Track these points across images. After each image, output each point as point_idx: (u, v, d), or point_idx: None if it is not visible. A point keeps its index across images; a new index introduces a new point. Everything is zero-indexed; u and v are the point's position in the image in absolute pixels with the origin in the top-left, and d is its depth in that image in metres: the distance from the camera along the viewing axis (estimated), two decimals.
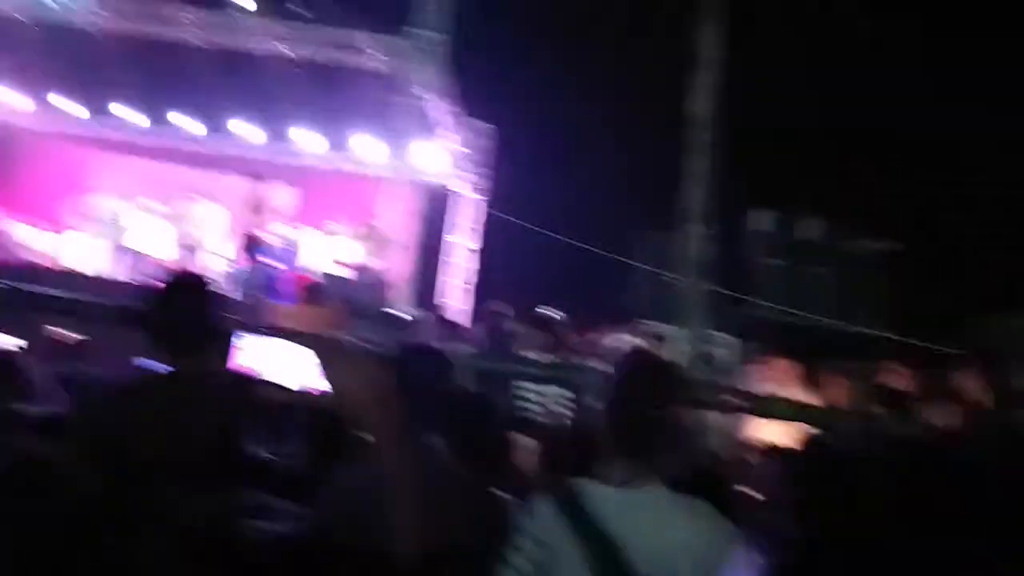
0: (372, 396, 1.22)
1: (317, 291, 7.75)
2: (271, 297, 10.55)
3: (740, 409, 4.58)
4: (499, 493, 2.46)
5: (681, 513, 1.84)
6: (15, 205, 13.90)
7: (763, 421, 5.30)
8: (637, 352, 2.46)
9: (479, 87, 12.74)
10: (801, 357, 6.10)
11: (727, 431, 5.78)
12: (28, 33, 11.34)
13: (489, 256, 14.25)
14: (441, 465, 2.15)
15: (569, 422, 4.62)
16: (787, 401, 5.07)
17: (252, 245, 11.20)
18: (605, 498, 1.81)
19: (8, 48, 12.85)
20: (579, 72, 14.26)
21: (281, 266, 11.56)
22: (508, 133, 14.47)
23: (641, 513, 1.80)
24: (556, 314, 8.36)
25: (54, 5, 10.56)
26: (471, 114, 12.92)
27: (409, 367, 2.26)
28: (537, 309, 7.63)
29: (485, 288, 13.82)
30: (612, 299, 13.04)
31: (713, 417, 5.66)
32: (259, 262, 11.26)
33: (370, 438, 1.26)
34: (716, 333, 9.28)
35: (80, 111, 14.53)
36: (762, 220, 13.40)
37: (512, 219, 12.90)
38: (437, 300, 12.32)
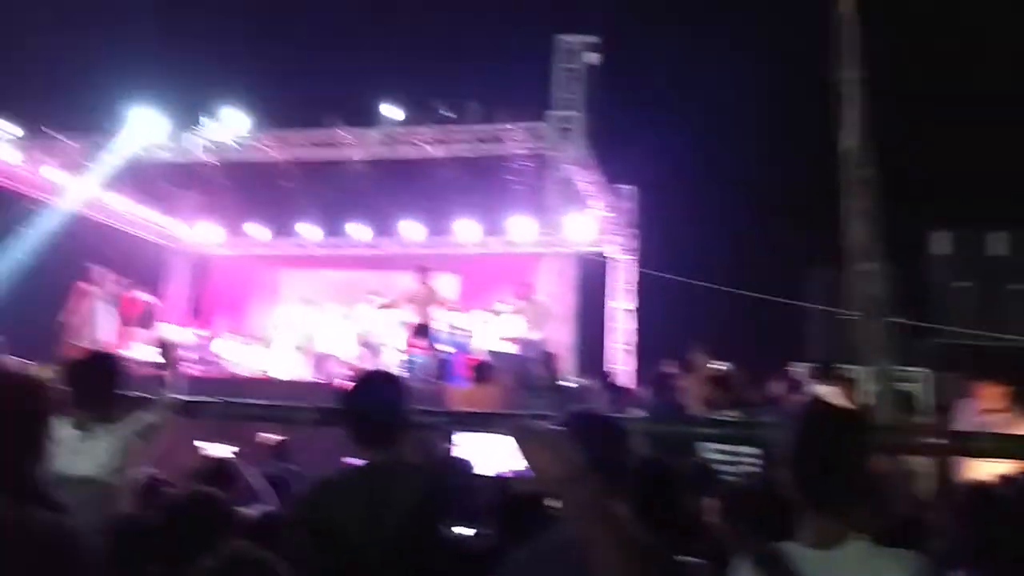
0: (568, 471, 1.24)
1: (487, 370, 7.98)
2: (447, 381, 10.96)
3: (944, 449, 4.17)
4: (689, 560, 2.39)
5: (887, 569, 1.72)
6: (215, 324, 15.51)
7: (975, 460, 4.78)
8: (818, 402, 2.33)
9: (618, 153, 12.94)
10: (1004, 382, 5.47)
11: (934, 473, 5.26)
12: (214, 172, 12.82)
13: (649, 315, 14.12)
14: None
15: (756, 480, 4.37)
16: (998, 436, 4.55)
17: (425, 334, 11.76)
18: (806, 559, 1.72)
19: (199, 187, 14.64)
20: (720, 120, 14.16)
21: (451, 350, 12.02)
22: (652, 192, 14.52)
23: (845, 573, 1.70)
24: (728, 367, 8.08)
25: (234, 144, 11.91)
26: (613, 180, 13.09)
27: (582, 437, 2.26)
28: (709, 364, 7.44)
29: (649, 348, 13.67)
30: (785, 344, 12.44)
31: (916, 460, 5.17)
32: (432, 349, 11.78)
33: (566, 512, 1.26)
34: (907, 368, 8.56)
35: (264, 233, 16.18)
36: (943, 243, 12.38)
37: (670, 276, 12.73)
38: (604, 366, 12.28)
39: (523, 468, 1.27)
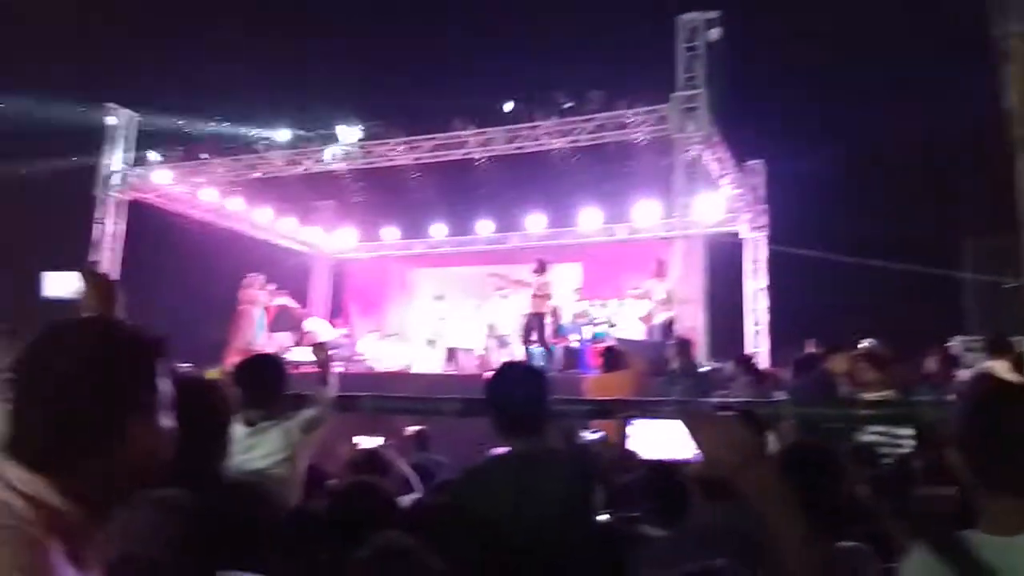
0: (744, 454, 1.21)
1: (617, 356, 7.89)
2: (577, 369, 10.97)
3: None
4: (850, 545, 2.27)
5: None
6: (356, 323, 16.25)
7: None
8: (989, 377, 2.13)
9: (745, 127, 12.48)
10: None
11: None
12: (347, 180, 13.40)
13: (783, 294, 13.56)
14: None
15: (920, 464, 4.07)
16: None
17: (554, 324, 11.84)
18: (986, 546, 1.59)
19: (335, 195, 15.36)
20: (854, 82, 13.35)
21: (579, 339, 12.03)
22: (782, 164, 13.91)
23: None
24: (876, 344, 7.61)
25: (362, 152, 12.40)
26: (741, 155, 12.66)
27: (796, 471, 2.17)
28: (860, 342, 7.03)
29: (783, 328, 13.13)
30: (936, 319, 11.57)
31: None
32: (560, 339, 11.85)
33: (742, 496, 1.21)
34: None
35: (397, 234, 16.81)
36: None
37: (807, 252, 12.14)
38: (740, 349, 11.90)
39: (692, 453, 1.24)
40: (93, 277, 1.96)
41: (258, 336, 11.95)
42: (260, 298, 12.11)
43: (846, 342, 6.78)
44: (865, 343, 7.37)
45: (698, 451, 1.21)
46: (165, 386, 1.12)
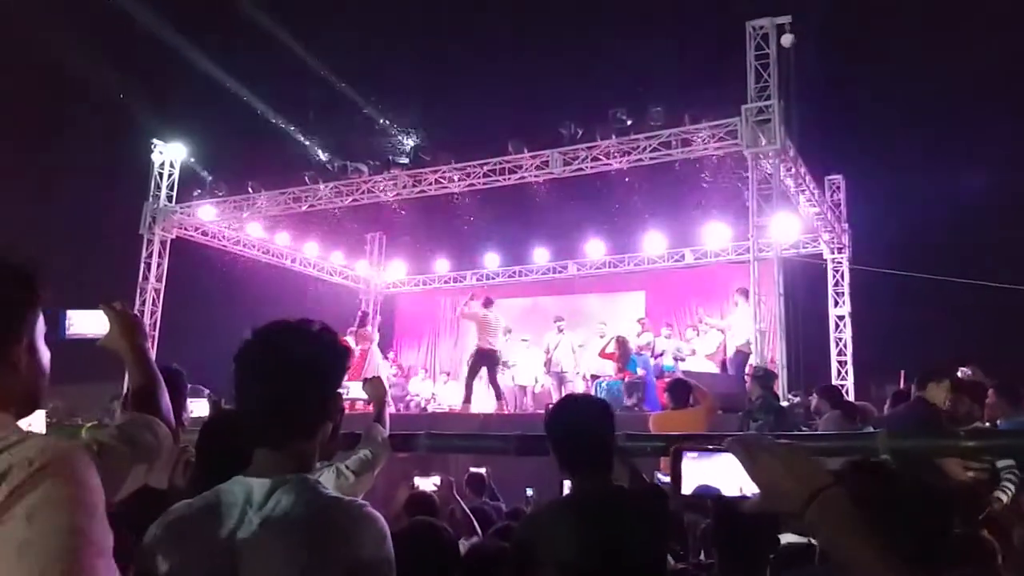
0: (809, 485, 1.15)
1: (684, 391, 7.73)
2: (647, 406, 10.81)
3: None
4: None
5: None
6: (406, 359, 16.39)
7: None
8: None
9: (822, 140, 12.29)
10: None
11: None
12: (397, 210, 13.62)
13: (866, 319, 13.19)
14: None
15: None
16: None
17: (620, 357, 11.72)
18: None
19: (384, 226, 15.65)
20: (941, 85, 13.01)
21: (640, 372, 11.86)
22: (863, 179, 13.63)
23: None
24: (974, 371, 7.30)
25: (411, 181, 12.60)
26: (818, 170, 12.47)
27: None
28: (957, 370, 6.74)
29: (869, 357, 12.74)
30: None
31: None
32: (627, 373, 11.69)
33: (812, 531, 1.15)
34: None
35: (448, 266, 17.01)
36: None
37: (893, 272, 11.78)
38: (823, 380, 11.56)
39: (746, 488, 1.18)
40: (115, 312, 1.98)
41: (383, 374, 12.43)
42: (375, 337, 12.77)
43: (939, 370, 6.52)
44: (962, 371, 7.08)
45: (756, 485, 1.15)
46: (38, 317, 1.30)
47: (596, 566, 2.32)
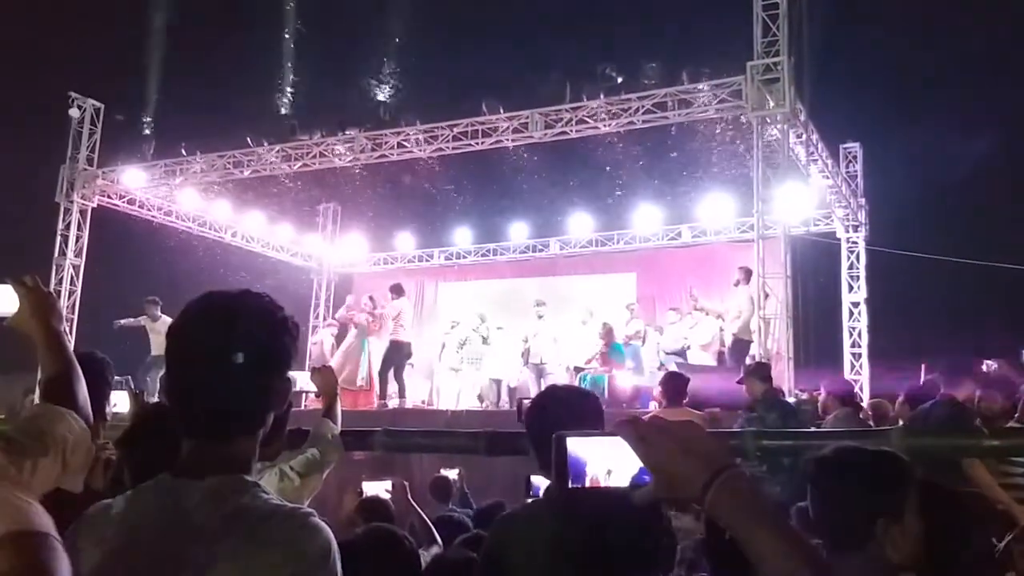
0: (707, 467, 1.15)
1: (678, 386, 7.74)
2: (640, 403, 10.86)
3: None
4: None
5: None
6: None
7: None
8: None
9: (839, 103, 12.36)
10: None
11: None
12: (353, 178, 13.53)
13: (884, 304, 13.34)
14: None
15: None
16: None
17: (604, 347, 11.76)
18: None
19: (340, 196, 15.55)
20: (980, 46, 13.12)
21: (629, 364, 11.92)
22: (882, 148, 13.72)
23: None
24: (1005, 365, 7.43)
25: (370, 144, 12.49)
26: (833, 137, 12.53)
27: (842, 469, 2.13)
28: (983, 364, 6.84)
29: (886, 345, 12.89)
30: None
31: None
32: (616, 365, 11.74)
33: (715, 518, 1.15)
34: None
35: (413, 243, 16.95)
36: None
37: (915, 254, 11.90)
38: (836, 373, 11.70)
39: (636, 473, 1.17)
40: (26, 289, 1.96)
41: (363, 371, 12.66)
42: (367, 324, 12.88)
43: (965, 363, 6.61)
44: (986, 364, 7.20)
45: (649, 470, 1.14)
46: None
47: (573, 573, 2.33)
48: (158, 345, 11.22)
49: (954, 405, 5.31)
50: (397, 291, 12.53)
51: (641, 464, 1.16)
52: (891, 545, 2.03)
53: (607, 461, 1.22)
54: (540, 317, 12.51)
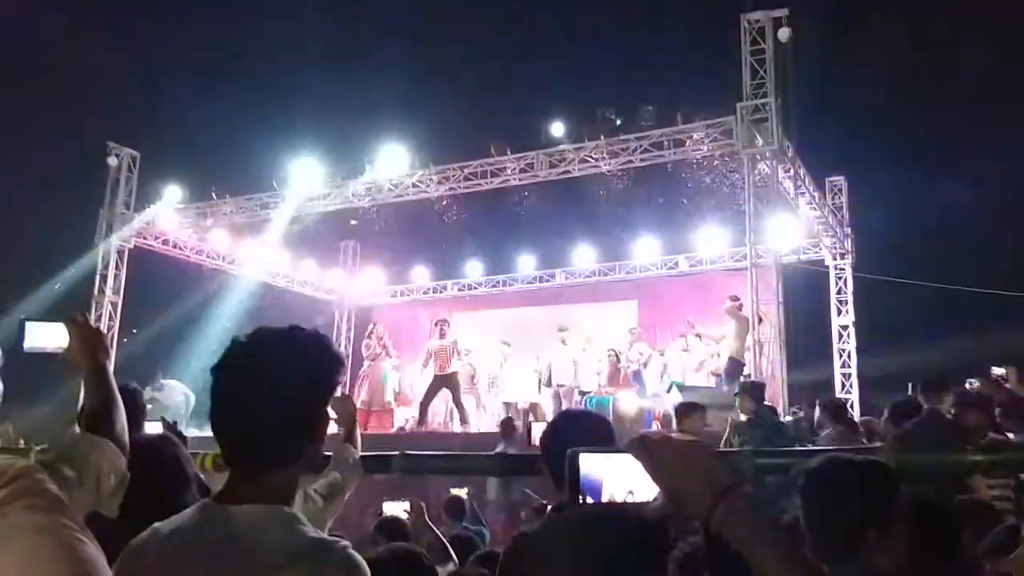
0: (715, 484, 1.12)
1: (678, 408, 7.70)
2: (644, 425, 10.79)
3: None
4: None
5: None
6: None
7: None
8: None
9: (824, 140, 12.39)
10: None
11: None
12: (375, 218, 13.58)
13: (870, 328, 13.28)
14: None
15: None
16: None
17: (612, 373, 11.76)
18: None
19: (360, 235, 15.60)
20: (957, 85, 13.15)
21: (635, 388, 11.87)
22: (867, 182, 13.72)
23: None
24: (984, 384, 7.35)
25: (388, 185, 12.54)
26: (819, 171, 12.55)
27: (831, 480, 2.11)
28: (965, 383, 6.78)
29: (878, 370, 12.80)
30: None
31: None
32: (631, 386, 11.71)
33: (721, 535, 1.12)
34: None
35: (428, 276, 16.98)
36: None
37: (900, 280, 11.88)
38: (826, 393, 11.60)
39: (645, 491, 1.15)
40: (77, 326, 1.98)
41: (387, 392, 12.73)
42: (385, 350, 13.10)
43: (941, 382, 6.56)
44: (995, 372, 7.14)
45: (658, 487, 1.12)
46: None
47: None
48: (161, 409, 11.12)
49: (938, 420, 5.26)
50: (441, 324, 12.29)
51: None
52: (880, 556, 2.00)
53: (624, 479, 1.21)
54: (563, 343, 12.49)
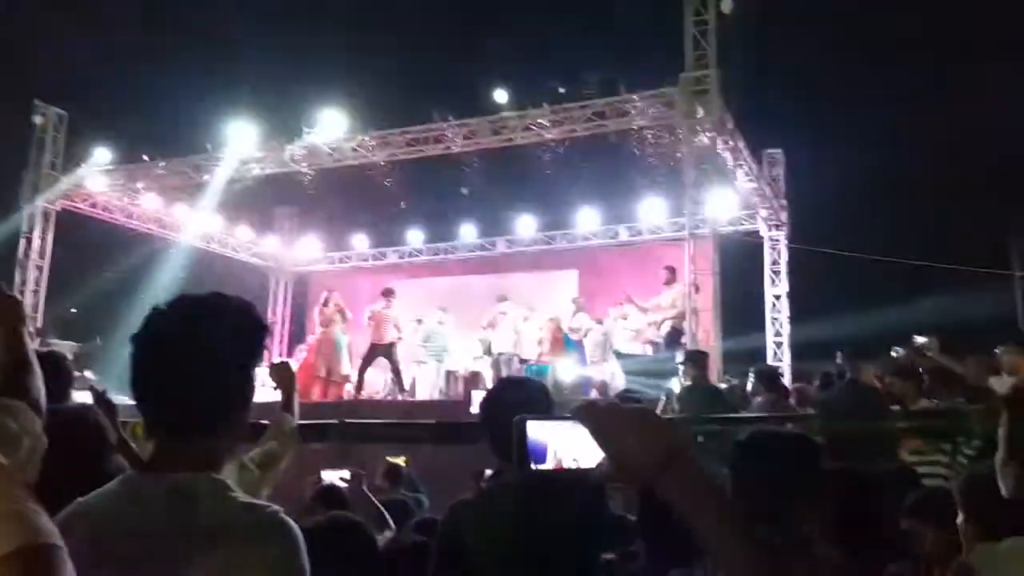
0: (663, 452, 1.14)
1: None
2: (582, 393, 10.91)
3: None
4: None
5: None
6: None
7: None
8: None
9: (763, 112, 12.54)
10: None
11: None
12: (312, 183, 13.34)
13: (804, 299, 13.61)
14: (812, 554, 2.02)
15: (966, 479, 4.04)
16: None
17: (553, 341, 11.84)
18: None
19: (298, 200, 15.32)
20: (886, 57, 13.41)
21: (573, 355, 12.00)
22: (804, 154, 13.96)
23: None
24: (907, 354, 7.60)
25: (327, 150, 12.33)
26: (758, 144, 12.71)
27: (759, 452, 2.16)
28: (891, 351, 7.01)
29: (806, 337, 13.15)
30: (976, 325, 11.63)
31: None
32: (566, 353, 11.82)
33: (669, 502, 1.14)
34: None
35: (369, 243, 16.79)
36: None
37: (832, 252, 12.17)
38: (760, 362, 11.89)
39: (593, 457, 1.16)
40: None
41: (343, 363, 12.34)
42: (339, 318, 12.65)
43: (874, 351, 6.76)
44: (917, 340, 7.35)
45: (604, 453, 1.14)
46: None
47: (528, 556, 2.33)
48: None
49: (858, 389, 5.41)
50: (388, 294, 12.26)
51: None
52: (808, 524, 2.06)
53: (569, 446, 1.21)
54: (503, 312, 12.51)
